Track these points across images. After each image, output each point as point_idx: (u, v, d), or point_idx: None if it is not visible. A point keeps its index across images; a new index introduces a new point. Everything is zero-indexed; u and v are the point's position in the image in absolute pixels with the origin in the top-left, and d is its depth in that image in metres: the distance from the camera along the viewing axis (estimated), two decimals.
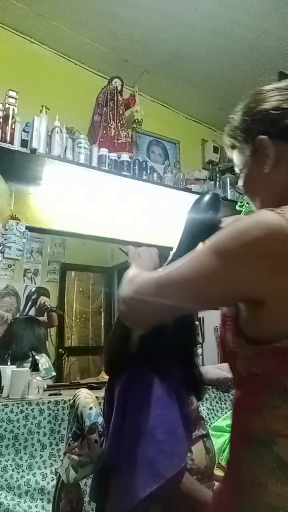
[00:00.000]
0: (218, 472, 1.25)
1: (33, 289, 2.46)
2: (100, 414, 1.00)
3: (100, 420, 0.97)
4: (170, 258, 0.98)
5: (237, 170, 0.81)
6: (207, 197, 0.99)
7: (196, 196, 2.78)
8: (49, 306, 2.47)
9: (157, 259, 0.97)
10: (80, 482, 1.01)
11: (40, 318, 2.44)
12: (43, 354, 2.32)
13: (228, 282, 0.61)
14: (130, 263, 0.95)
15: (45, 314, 2.47)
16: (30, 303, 2.42)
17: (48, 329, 2.50)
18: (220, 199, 1.04)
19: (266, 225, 0.58)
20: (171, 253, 0.99)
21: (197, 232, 0.90)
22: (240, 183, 0.79)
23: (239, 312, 0.68)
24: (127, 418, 0.88)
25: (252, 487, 0.62)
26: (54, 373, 2.35)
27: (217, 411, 2.17)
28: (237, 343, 0.68)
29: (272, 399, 0.63)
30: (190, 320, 1.08)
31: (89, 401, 1.01)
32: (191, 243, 0.85)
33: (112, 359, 1.08)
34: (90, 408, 0.99)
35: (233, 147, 0.81)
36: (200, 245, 0.69)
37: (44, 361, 2.29)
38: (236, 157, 0.80)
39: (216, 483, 1.12)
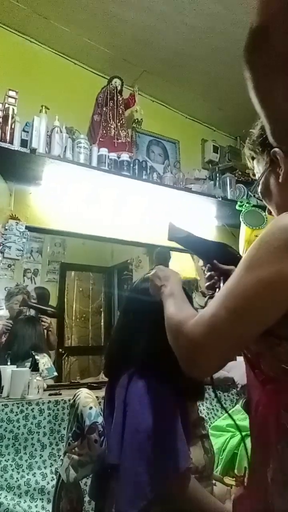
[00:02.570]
0: (228, 481, 1.24)
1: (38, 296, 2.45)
2: (100, 413, 1.00)
3: (100, 419, 0.97)
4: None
5: (257, 177, 0.89)
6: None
7: (196, 196, 2.75)
8: (49, 327, 2.45)
9: (180, 282, 0.96)
10: (80, 481, 1.01)
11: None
12: (45, 354, 2.32)
13: (275, 293, 0.63)
14: (155, 288, 0.93)
15: (45, 335, 2.45)
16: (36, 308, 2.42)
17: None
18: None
19: None
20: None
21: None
22: (259, 190, 0.86)
23: None
24: (128, 420, 0.88)
25: (283, 484, 0.63)
26: (55, 373, 2.35)
27: (217, 411, 2.17)
28: (263, 342, 0.69)
29: None
30: None
31: (89, 400, 1.01)
32: None
33: (112, 361, 1.07)
34: (90, 408, 0.98)
35: (252, 158, 0.89)
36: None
37: (46, 361, 2.29)
38: (256, 166, 0.89)
39: (216, 483, 1.13)
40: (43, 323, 2.40)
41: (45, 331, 2.42)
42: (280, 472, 0.65)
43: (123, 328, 1.08)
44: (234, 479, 1.25)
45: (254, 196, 0.92)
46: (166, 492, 0.82)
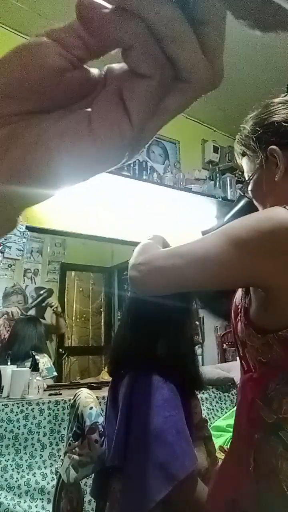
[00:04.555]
0: (219, 455, 1.25)
1: (44, 292, 2.46)
2: (101, 414, 1.00)
3: (101, 420, 0.97)
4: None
5: (246, 176, 0.86)
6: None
7: (196, 196, 2.76)
8: (56, 309, 2.48)
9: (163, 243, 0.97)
10: (80, 481, 1.01)
11: (47, 322, 2.44)
12: (45, 354, 2.32)
13: (237, 268, 0.65)
14: None
15: (54, 319, 2.47)
16: (39, 299, 2.42)
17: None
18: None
19: (277, 219, 0.63)
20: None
21: None
22: (249, 188, 0.83)
23: (250, 304, 0.73)
24: (133, 421, 0.88)
25: (262, 472, 0.65)
26: (55, 373, 2.35)
27: (217, 411, 2.17)
28: (246, 333, 0.72)
29: (279, 387, 0.67)
30: (190, 319, 1.08)
31: (89, 400, 1.01)
32: None
33: (116, 361, 1.07)
34: (91, 408, 0.98)
35: (243, 154, 0.86)
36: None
37: (46, 360, 2.29)
38: (245, 164, 0.85)
39: None
40: (51, 307, 2.43)
41: (55, 315, 2.47)
42: (254, 458, 0.66)
43: (127, 328, 1.07)
44: (223, 453, 1.27)
45: (244, 195, 0.87)
46: (172, 494, 0.82)
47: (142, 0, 0.20)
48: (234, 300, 0.81)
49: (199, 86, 0.24)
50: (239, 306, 0.77)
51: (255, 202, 0.84)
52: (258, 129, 0.80)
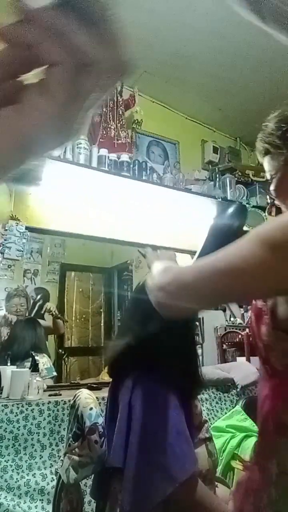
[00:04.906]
0: (236, 465, 1.24)
1: (39, 295, 2.46)
2: (101, 414, 1.00)
3: (101, 420, 0.97)
4: (194, 260, 0.98)
5: (268, 175, 0.83)
6: (235, 207, 1.00)
7: (196, 197, 2.77)
8: (55, 313, 2.48)
9: (176, 262, 0.96)
10: (80, 482, 1.01)
11: (44, 323, 2.44)
12: (44, 354, 2.32)
13: (278, 273, 0.61)
14: (149, 265, 0.93)
15: (51, 321, 2.48)
16: (36, 308, 2.43)
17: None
18: (247, 211, 1.07)
19: None
20: (194, 257, 0.99)
21: (222, 239, 0.91)
22: (272, 187, 0.81)
23: (277, 305, 0.70)
24: (133, 422, 0.87)
25: (284, 476, 0.64)
26: (55, 373, 2.35)
27: (217, 411, 2.17)
28: (273, 336, 0.69)
29: None
30: (191, 321, 1.08)
31: (89, 401, 1.01)
32: (214, 248, 0.86)
33: (116, 362, 1.06)
34: (91, 409, 0.98)
35: (266, 152, 0.83)
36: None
37: (45, 360, 2.29)
38: (268, 163, 0.83)
39: (218, 485, 1.12)
40: (49, 312, 2.44)
41: (52, 318, 2.47)
42: (278, 462, 0.65)
43: (128, 329, 1.07)
44: (241, 463, 1.25)
45: (269, 195, 0.84)
46: (173, 496, 0.81)
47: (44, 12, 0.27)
48: (255, 303, 0.78)
49: (105, 66, 0.29)
50: (263, 309, 0.74)
51: (278, 201, 0.82)
52: (283, 125, 0.79)
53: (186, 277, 0.68)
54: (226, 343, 2.75)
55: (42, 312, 2.45)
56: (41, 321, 2.43)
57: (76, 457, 0.94)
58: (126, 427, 0.88)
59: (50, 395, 1.92)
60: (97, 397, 1.12)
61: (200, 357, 2.65)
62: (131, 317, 1.08)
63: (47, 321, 2.47)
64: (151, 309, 0.95)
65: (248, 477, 0.78)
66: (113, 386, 1.02)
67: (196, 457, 0.87)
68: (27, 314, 2.37)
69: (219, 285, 0.63)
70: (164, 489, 0.80)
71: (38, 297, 2.46)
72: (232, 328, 2.73)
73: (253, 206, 2.76)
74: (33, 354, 2.19)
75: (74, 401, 1.06)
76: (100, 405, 1.08)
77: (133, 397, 0.90)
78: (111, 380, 1.07)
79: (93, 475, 1.05)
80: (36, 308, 2.44)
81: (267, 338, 0.72)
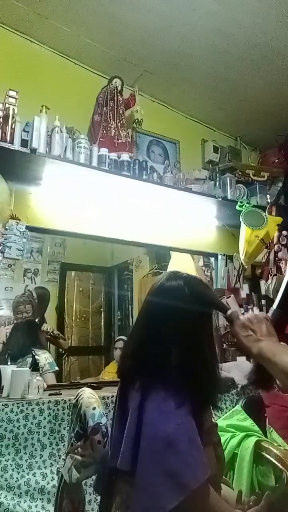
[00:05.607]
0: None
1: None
2: (104, 414, 0.99)
3: (104, 420, 0.96)
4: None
5: None
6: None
7: (196, 196, 2.75)
8: (52, 333, 2.48)
9: (272, 330, 0.92)
10: (82, 482, 1.01)
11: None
12: (45, 350, 2.33)
13: None
14: (237, 334, 0.91)
15: (51, 341, 2.49)
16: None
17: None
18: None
19: None
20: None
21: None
22: None
23: None
24: (145, 428, 0.86)
25: None
26: (57, 368, 2.35)
27: (217, 411, 2.17)
28: None
29: None
30: (208, 328, 1.05)
31: (92, 401, 1.00)
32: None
33: (128, 364, 1.03)
34: (94, 408, 0.97)
35: None
36: None
37: (47, 356, 2.30)
38: None
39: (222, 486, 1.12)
40: (47, 333, 2.45)
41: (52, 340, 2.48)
42: None
43: (143, 332, 1.03)
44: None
45: None
46: (185, 504, 0.79)
47: None
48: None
49: None
50: None
51: None
52: None
53: None
54: (226, 343, 2.75)
55: (43, 329, 2.46)
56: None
57: (78, 457, 0.94)
58: (136, 431, 0.87)
59: (50, 395, 1.92)
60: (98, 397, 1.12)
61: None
62: (148, 320, 1.04)
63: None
64: (169, 314, 0.93)
65: None
66: (122, 386, 1.01)
67: (207, 465, 0.85)
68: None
69: None
70: (176, 497, 0.79)
71: (38, 298, 2.47)
72: None
73: (253, 206, 2.76)
74: (34, 352, 2.19)
75: (77, 400, 1.05)
76: (102, 404, 1.07)
77: (144, 401, 0.89)
78: (119, 380, 1.05)
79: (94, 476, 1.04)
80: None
81: None
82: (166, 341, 0.93)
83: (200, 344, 0.94)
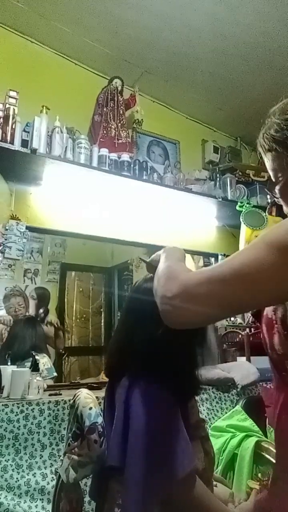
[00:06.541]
0: (252, 485, 1.23)
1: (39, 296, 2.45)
2: (100, 414, 1.00)
3: (100, 420, 0.97)
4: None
5: (271, 173, 0.78)
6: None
7: (196, 196, 2.75)
8: (57, 325, 2.49)
9: (184, 259, 0.92)
10: (80, 482, 1.01)
11: (46, 330, 2.45)
12: (45, 354, 2.33)
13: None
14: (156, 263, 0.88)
15: (53, 332, 2.49)
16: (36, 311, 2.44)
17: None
18: None
19: None
20: None
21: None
22: (277, 187, 0.77)
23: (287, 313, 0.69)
24: (131, 421, 0.87)
25: None
26: (55, 374, 2.35)
27: (217, 411, 2.17)
28: (287, 344, 0.68)
29: None
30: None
31: (89, 401, 1.01)
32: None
33: (113, 361, 1.06)
34: (90, 408, 0.98)
35: (269, 149, 0.77)
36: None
37: (46, 361, 2.30)
38: (271, 160, 0.77)
39: (217, 485, 1.12)
40: (51, 325, 2.46)
41: (54, 330, 2.47)
42: None
43: (124, 328, 1.07)
44: (258, 482, 1.24)
45: (274, 195, 0.79)
46: (172, 494, 0.81)
47: None
48: (265, 313, 0.76)
49: None
50: (273, 318, 0.72)
51: (282, 201, 0.78)
52: None
53: (192, 289, 0.63)
54: (226, 343, 2.74)
55: (44, 323, 2.46)
56: (43, 326, 2.45)
57: (75, 457, 0.94)
58: (123, 426, 0.88)
59: (50, 395, 1.92)
60: (97, 397, 1.12)
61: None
62: (129, 317, 1.07)
63: (48, 330, 2.48)
64: (147, 308, 0.94)
65: (265, 496, 0.76)
66: (110, 385, 1.02)
67: (193, 454, 0.87)
68: (26, 313, 2.37)
69: (228, 296, 0.61)
70: (163, 486, 0.81)
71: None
72: (232, 328, 2.73)
73: (254, 206, 2.76)
74: (34, 353, 2.19)
75: (74, 401, 1.06)
76: (100, 405, 1.08)
77: (129, 396, 0.90)
78: (108, 379, 1.07)
79: (91, 476, 1.05)
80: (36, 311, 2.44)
81: (281, 347, 0.70)
82: (146, 338, 0.95)
83: (182, 338, 0.94)
